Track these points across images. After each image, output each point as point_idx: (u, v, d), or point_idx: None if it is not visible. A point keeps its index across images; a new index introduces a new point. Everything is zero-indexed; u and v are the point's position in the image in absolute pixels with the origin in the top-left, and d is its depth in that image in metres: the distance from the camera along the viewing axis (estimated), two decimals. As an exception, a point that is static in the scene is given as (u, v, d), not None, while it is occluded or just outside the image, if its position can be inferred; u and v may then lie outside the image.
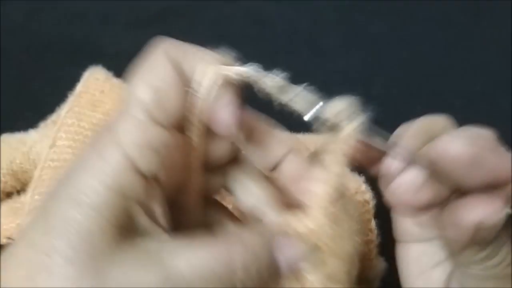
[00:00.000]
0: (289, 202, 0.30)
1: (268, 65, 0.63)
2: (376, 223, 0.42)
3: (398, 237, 0.33)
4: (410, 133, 0.30)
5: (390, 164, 0.28)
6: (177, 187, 0.28)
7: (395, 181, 0.28)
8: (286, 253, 0.26)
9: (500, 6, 0.63)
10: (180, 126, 0.27)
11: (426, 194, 0.27)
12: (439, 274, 0.31)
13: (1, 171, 0.46)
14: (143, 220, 0.25)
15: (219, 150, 0.29)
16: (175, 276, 0.23)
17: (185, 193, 0.29)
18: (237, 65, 0.29)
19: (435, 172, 0.27)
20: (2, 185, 0.46)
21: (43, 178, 0.44)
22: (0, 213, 0.43)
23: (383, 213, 0.42)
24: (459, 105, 0.57)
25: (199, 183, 0.29)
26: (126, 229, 0.24)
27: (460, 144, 0.26)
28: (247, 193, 0.30)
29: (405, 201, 0.27)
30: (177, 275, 0.23)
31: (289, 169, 0.29)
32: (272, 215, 0.29)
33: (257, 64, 0.29)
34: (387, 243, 0.41)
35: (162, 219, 0.26)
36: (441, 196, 0.27)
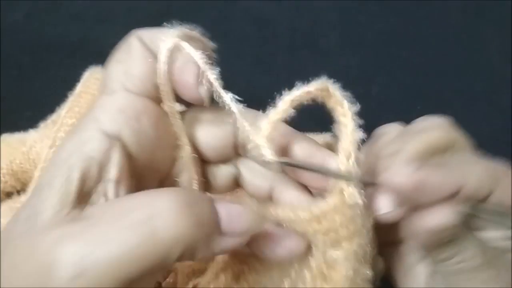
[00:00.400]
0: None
1: (268, 65, 0.63)
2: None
3: (383, 239, 0.33)
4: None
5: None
6: (166, 174, 0.29)
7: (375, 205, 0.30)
8: (227, 208, 0.25)
9: (500, 6, 0.64)
10: (156, 97, 0.28)
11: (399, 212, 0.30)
12: (423, 270, 0.33)
13: (1, 171, 0.46)
14: (94, 183, 0.25)
15: (216, 139, 0.30)
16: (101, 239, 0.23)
17: (180, 185, 0.30)
18: (197, 50, 0.29)
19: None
20: (2, 185, 0.46)
21: (43, 178, 0.44)
22: (0, 213, 0.43)
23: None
24: (459, 105, 0.57)
25: (194, 173, 0.29)
26: (81, 192, 0.25)
27: (403, 174, 0.28)
28: (258, 174, 0.30)
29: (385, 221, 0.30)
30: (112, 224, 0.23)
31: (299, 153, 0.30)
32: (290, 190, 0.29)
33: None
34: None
35: (110, 186, 0.26)
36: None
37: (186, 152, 0.29)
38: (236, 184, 0.31)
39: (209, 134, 0.30)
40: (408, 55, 0.61)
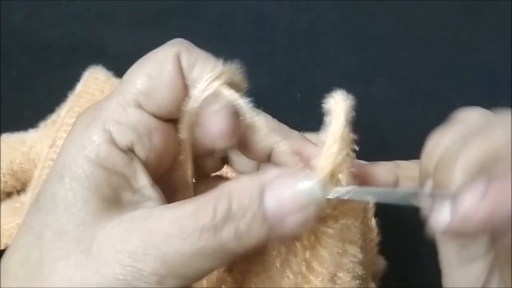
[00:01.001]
0: None
1: (268, 65, 0.63)
2: (376, 222, 0.42)
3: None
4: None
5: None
6: (168, 168, 0.29)
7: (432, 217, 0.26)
8: (276, 196, 0.25)
9: (500, 6, 0.64)
10: (172, 118, 0.28)
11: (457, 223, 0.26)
12: (478, 267, 0.30)
13: (1, 171, 0.46)
14: (126, 192, 0.26)
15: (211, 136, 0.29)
16: (158, 236, 0.24)
17: (177, 174, 0.30)
18: (238, 94, 0.29)
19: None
20: (2, 185, 0.46)
21: (43, 178, 0.44)
22: (0, 213, 0.43)
23: (383, 212, 0.42)
24: (459, 105, 0.57)
25: (190, 164, 0.30)
26: (111, 201, 0.25)
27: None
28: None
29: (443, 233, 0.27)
30: (160, 234, 0.24)
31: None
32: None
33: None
34: (387, 242, 0.41)
35: (149, 190, 0.26)
36: None
37: (186, 150, 0.29)
38: (223, 162, 0.32)
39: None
40: (408, 55, 0.61)
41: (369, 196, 0.27)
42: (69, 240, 0.24)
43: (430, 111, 0.56)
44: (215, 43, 0.61)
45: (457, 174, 0.25)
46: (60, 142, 0.45)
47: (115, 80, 0.49)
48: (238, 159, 0.31)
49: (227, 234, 0.24)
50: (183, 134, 0.28)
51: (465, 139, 0.27)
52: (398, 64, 0.60)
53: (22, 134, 0.49)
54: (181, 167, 0.30)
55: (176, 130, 0.29)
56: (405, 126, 0.56)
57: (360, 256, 0.29)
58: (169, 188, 0.29)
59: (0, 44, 0.60)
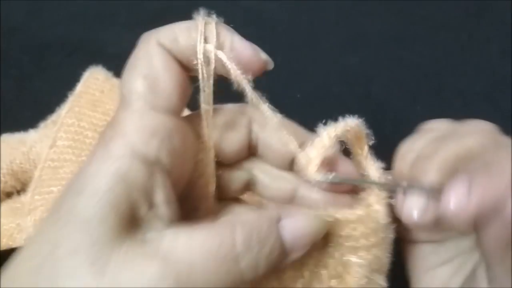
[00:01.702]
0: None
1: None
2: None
3: (406, 237, 0.34)
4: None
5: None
6: (188, 180, 0.29)
7: (405, 206, 0.29)
8: (292, 229, 0.26)
9: (500, 6, 0.64)
10: (180, 110, 0.28)
11: (430, 214, 0.28)
12: (444, 272, 0.32)
13: (1, 171, 0.46)
14: (143, 208, 0.25)
15: (233, 143, 0.30)
16: (174, 263, 0.23)
17: (197, 188, 0.30)
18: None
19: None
20: (2, 185, 0.46)
21: (43, 178, 0.44)
22: (0, 213, 0.43)
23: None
24: (459, 105, 0.57)
25: (212, 178, 0.30)
26: (128, 219, 0.24)
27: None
28: (278, 177, 0.31)
29: (415, 223, 0.29)
30: (177, 262, 0.23)
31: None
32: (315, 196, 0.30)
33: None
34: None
35: (164, 208, 0.26)
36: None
37: (207, 155, 0.30)
38: (246, 188, 0.32)
39: (226, 137, 0.30)
40: (408, 55, 0.61)
41: (352, 182, 0.30)
42: (84, 258, 0.23)
43: (430, 111, 0.56)
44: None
45: (432, 171, 0.28)
46: (60, 142, 0.45)
47: (115, 80, 0.49)
48: (263, 183, 0.31)
49: (246, 264, 0.24)
50: (203, 102, 0.28)
51: (438, 142, 0.29)
52: (398, 64, 0.60)
53: (22, 134, 0.49)
54: (203, 175, 0.30)
55: (194, 129, 0.29)
56: (405, 126, 0.56)
57: (385, 284, 0.30)
58: (191, 202, 0.30)
59: (0, 44, 0.60)
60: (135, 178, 0.25)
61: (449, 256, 0.32)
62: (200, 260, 0.23)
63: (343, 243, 0.29)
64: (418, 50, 0.62)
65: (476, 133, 0.29)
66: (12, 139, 0.48)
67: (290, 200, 0.31)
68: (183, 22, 0.30)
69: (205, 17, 0.31)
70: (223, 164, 0.31)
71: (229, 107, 0.31)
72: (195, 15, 0.31)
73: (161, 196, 0.26)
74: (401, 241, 0.33)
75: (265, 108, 0.29)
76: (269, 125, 0.30)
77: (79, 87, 0.48)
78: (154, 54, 0.27)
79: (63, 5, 0.65)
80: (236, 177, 0.31)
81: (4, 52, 0.60)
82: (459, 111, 0.56)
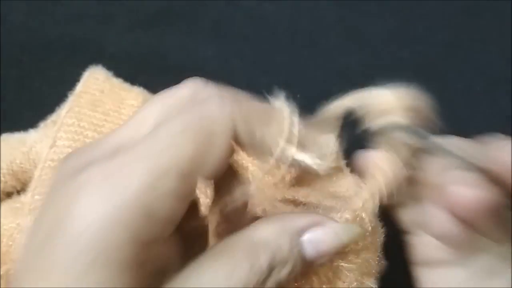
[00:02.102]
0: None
1: (268, 65, 0.63)
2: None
3: (419, 262, 0.32)
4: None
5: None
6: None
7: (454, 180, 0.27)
8: (317, 244, 0.25)
9: (500, 6, 0.63)
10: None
11: (489, 193, 0.26)
12: (454, 272, 0.30)
13: (1, 171, 0.46)
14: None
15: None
16: None
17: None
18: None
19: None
20: (2, 185, 0.46)
21: (43, 178, 0.44)
22: (0, 213, 0.43)
23: (382, 213, 0.42)
24: (459, 105, 0.57)
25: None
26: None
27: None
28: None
29: (469, 199, 0.26)
30: None
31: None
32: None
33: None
34: (387, 243, 0.41)
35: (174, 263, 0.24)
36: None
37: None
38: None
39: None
40: (408, 55, 0.61)
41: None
42: None
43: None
44: (215, 43, 0.61)
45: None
46: (60, 142, 0.45)
47: (115, 80, 0.49)
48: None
49: (270, 284, 0.23)
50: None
51: None
52: (398, 64, 0.60)
53: (22, 134, 0.49)
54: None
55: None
56: (405, 126, 0.56)
57: (375, 286, 0.30)
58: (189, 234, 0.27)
59: (0, 44, 0.60)
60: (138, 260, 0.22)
61: (468, 281, 0.30)
62: None
63: None
64: (418, 50, 0.61)
65: None
66: (12, 139, 0.48)
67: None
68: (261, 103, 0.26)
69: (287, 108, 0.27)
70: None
71: None
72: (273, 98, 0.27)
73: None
74: (394, 243, 0.32)
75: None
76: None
77: (79, 87, 0.48)
78: (218, 137, 0.23)
79: (63, 5, 0.65)
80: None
81: (4, 52, 0.60)
82: (459, 111, 0.56)
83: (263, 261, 0.23)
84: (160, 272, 0.23)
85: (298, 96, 0.57)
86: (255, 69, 0.59)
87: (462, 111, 0.56)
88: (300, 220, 0.25)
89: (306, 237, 0.25)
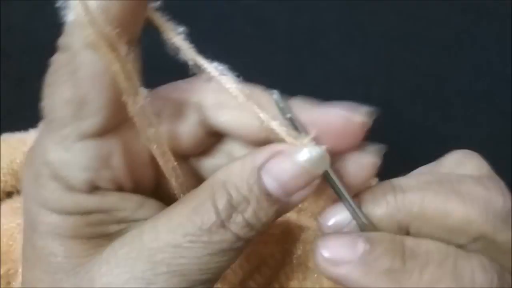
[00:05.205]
0: None
1: (268, 65, 0.63)
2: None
3: None
4: None
5: None
6: (155, 184, 0.27)
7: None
8: (276, 174, 0.23)
9: (500, 6, 0.64)
10: (118, 122, 0.24)
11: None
12: None
13: (1, 170, 0.46)
14: (112, 225, 0.24)
15: (185, 138, 0.27)
16: (165, 251, 0.22)
17: (170, 187, 0.27)
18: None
19: None
20: (2, 184, 0.46)
21: (43, 178, 0.44)
22: (0, 213, 0.43)
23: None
24: (459, 105, 0.57)
25: (178, 173, 0.27)
26: (97, 236, 0.23)
27: None
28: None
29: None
30: (167, 248, 0.22)
31: None
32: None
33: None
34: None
35: (137, 214, 0.24)
36: None
37: (163, 153, 0.26)
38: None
39: (175, 133, 0.27)
40: (408, 55, 0.61)
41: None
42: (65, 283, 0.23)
43: (430, 111, 0.56)
44: (215, 43, 0.61)
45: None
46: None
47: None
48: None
49: (236, 225, 0.22)
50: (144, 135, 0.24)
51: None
52: (398, 64, 0.60)
53: (22, 134, 0.49)
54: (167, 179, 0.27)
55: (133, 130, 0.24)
56: (405, 126, 0.56)
57: None
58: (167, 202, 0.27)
59: (0, 44, 0.60)
60: (83, 207, 0.23)
61: None
62: (187, 244, 0.22)
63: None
64: (418, 50, 0.62)
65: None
66: (12, 139, 0.48)
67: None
68: None
69: None
70: (195, 155, 0.28)
71: (172, 93, 0.27)
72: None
73: (129, 207, 0.24)
74: None
75: (227, 82, 0.25)
76: (226, 104, 0.26)
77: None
78: (81, 65, 0.23)
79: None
80: (213, 165, 0.28)
81: (4, 52, 0.60)
82: (459, 111, 0.56)
83: (219, 200, 0.22)
84: None
85: (298, 96, 0.57)
86: (255, 69, 0.59)
87: (462, 111, 0.56)
88: (259, 154, 0.23)
89: (265, 170, 0.23)
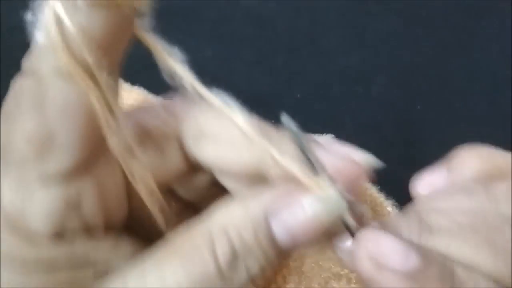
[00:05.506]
0: None
1: (268, 65, 0.63)
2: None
3: None
4: None
5: None
6: (128, 215, 0.23)
7: None
8: (288, 225, 0.20)
9: (500, 6, 0.63)
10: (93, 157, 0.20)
11: None
12: None
13: (1, 171, 0.46)
14: (86, 280, 0.20)
15: (166, 171, 0.24)
16: None
17: (149, 216, 0.24)
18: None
19: None
20: (2, 185, 0.46)
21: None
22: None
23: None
24: (459, 105, 0.57)
25: (163, 206, 0.24)
26: None
27: None
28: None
29: None
30: None
31: None
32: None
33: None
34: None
35: (114, 256, 0.21)
36: None
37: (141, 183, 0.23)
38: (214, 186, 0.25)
39: (156, 165, 0.23)
40: (408, 55, 0.61)
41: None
42: None
43: (430, 111, 0.56)
44: (215, 43, 0.61)
45: None
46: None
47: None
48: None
49: (239, 279, 0.20)
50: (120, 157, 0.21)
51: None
52: (398, 64, 0.60)
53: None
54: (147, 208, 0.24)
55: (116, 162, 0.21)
56: (405, 126, 0.56)
57: None
58: (148, 231, 0.24)
59: (0, 44, 0.60)
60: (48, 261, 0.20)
61: None
62: None
63: None
64: (418, 50, 0.61)
65: None
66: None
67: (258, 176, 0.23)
68: None
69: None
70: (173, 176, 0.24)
71: (151, 121, 0.23)
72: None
73: (100, 260, 0.21)
74: None
75: (233, 114, 0.21)
76: (208, 135, 0.23)
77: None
78: (49, 93, 0.19)
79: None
80: (194, 185, 0.25)
81: (4, 52, 0.60)
82: (459, 111, 0.56)
83: (220, 250, 0.19)
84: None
85: (298, 96, 0.57)
86: (255, 69, 0.59)
87: (462, 111, 0.56)
88: (264, 197, 0.20)
89: (275, 219, 0.20)
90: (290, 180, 0.21)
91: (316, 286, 0.37)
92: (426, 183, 0.25)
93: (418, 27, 0.63)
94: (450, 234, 0.21)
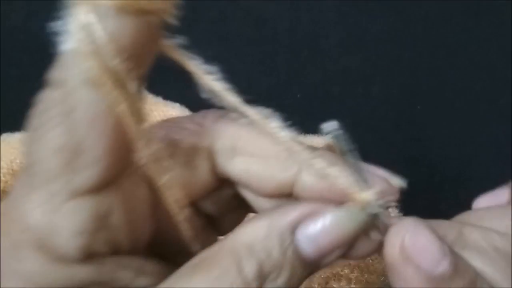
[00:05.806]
0: None
1: (268, 65, 0.63)
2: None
3: None
4: None
5: None
6: (154, 232, 0.23)
7: None
8: (314, 239, 0.20)
9: (500, 6, 0.63)
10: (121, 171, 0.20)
11: None
12: None
13: (2, 170, 0.46)
14: None
15: (201, 182, 0.24)
16: None
17: (174, 233, 0.24)
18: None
19: None
20: (2, 184, 0.46)
21: (43, 178, 0.44)
22: (0, 213, 0.43)
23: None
24: (459, 105, 0.57)
25: (192, 223, 0.24)
26: None
27: None
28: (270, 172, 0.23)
29: None
30: None
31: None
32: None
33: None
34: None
35: (140, 278, 0.21)
36: None
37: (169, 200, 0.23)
38: (237, 202, 0.25)
39: (185, 179, 0.23)
40: (408, 55, 0.61)
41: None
42: None
43: (430, 111, 0.56)
44: (215, 43, 0.61)
45: None
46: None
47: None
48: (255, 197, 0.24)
49: None
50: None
51: None
52: (398, 64, 0.60)
53: (22, 134, 0.49)
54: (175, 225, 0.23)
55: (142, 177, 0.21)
56: (405, 126, 0.56)
57: None
58: (174, 244, 0.24)
59: (0, 44, 0.60)
60: (77, 280, 0.19)
61: None
62: None
63: None
64: (418, 50, 0.62)
65: None
66: (12, 139, 0.48)
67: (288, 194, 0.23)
68: None
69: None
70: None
71: (180, 135, 0.23)
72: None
73: (130, 274, 0.21)
74: None
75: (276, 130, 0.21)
76: (242, 151, 0.22)
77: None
78: (78, 104, 0.18)
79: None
80: (218, 199, 0.25)
81: (4, 52, 0.60)
82: (459, 111, 0.56)
83: (248, 270, 0.19)
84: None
85: (298, 96, 0.57)
86: (255, 69, 0.59)
87: (462, 111, 0.56)
88: (290, 213, 0.20)
89: (301, 232, 0.20)
90: (318, 199, 0.21)
91: (316, 286, 0.37)
92: (486, 201, 0.25)
93: (418, 27, 0.63)
94: (482, 254, 0.21)
